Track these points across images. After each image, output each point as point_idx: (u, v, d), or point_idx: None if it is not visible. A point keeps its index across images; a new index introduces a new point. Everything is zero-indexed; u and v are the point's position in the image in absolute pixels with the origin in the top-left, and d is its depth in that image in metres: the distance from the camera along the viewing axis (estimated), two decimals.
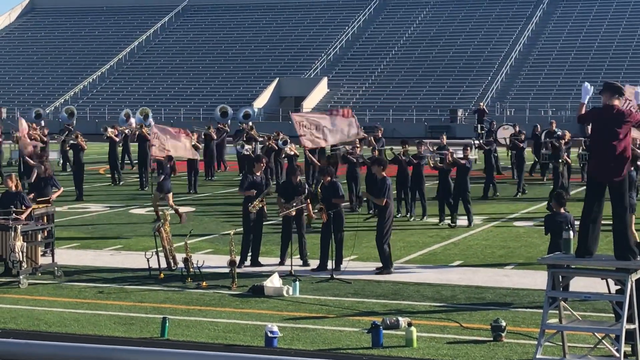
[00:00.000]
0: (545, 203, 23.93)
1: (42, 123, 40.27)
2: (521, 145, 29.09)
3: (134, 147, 34.34)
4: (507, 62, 69.01)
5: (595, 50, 68.73)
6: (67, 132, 36.58)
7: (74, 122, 41.98)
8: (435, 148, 25.76)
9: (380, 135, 28.95)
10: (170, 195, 22.68)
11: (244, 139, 32.92)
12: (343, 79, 71.30)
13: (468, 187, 22.11)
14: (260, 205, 17.24)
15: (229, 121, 41.17)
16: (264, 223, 17.98)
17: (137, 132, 32.91)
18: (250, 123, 36.76)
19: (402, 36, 75.55)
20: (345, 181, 24.43)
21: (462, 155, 23.09)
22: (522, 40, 71.83)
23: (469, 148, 23.31)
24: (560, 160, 25.43)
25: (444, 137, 30.66)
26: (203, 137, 33.47)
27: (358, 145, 25.39)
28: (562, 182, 25.08)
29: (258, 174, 17.71)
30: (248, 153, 28.03)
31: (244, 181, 17.86)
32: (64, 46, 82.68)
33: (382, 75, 70.73)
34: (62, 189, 19.84)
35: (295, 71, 73.38)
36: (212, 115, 50.38)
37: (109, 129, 32.67)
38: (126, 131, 34.85)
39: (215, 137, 34.25)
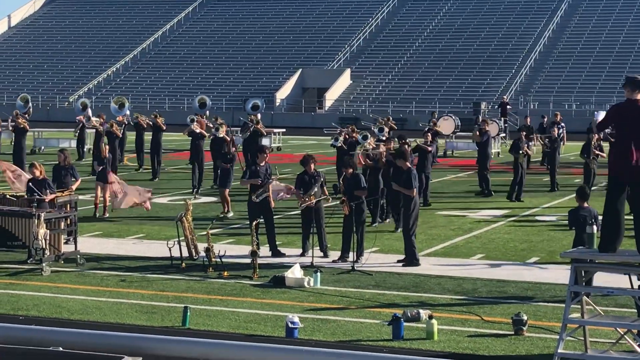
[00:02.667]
0: (567, 198, 23.82)
1: None
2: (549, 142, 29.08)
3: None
4: (532, 55, 68.69)
5: (621, 44, 68.29)
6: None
7: (30, 109, 41.48)
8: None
9: (486, 129, 28.61)
10: (111, 185, 22.03)
11: (250, 131, 32.41)
12: (366, 71, 71.19)
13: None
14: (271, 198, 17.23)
15: (207, 112, 40.78)
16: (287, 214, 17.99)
17: (146, 121, 32.70)
18: (259, 115, 35.94)
19: (425, 28, 75.33)
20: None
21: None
22: (547, 33, 71.46)
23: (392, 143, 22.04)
24: (520, 152, 25.77)
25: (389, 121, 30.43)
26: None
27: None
28: (522, 173, 25.52)
29: (262, 164, 17.66)
30: (340, 144, 27.61)
31: (246, 172, 17.86)
32: (88, 35, 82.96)
33: (405, 67, 70.56)
34: (80, 179, 19.74)
35: (318, 62, 73.31)
36: (222, 104, 49.50)
37: (93, 119, 32.23)
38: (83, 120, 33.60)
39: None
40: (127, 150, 35.53)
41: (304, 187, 17.31)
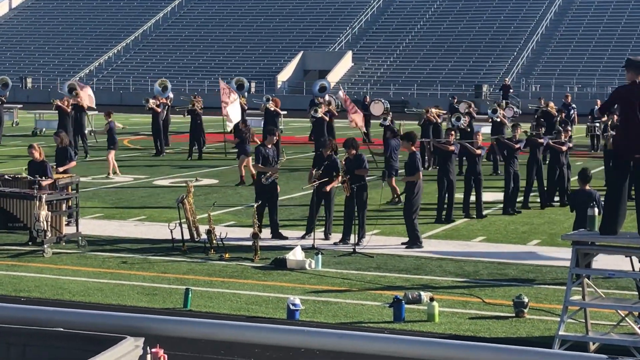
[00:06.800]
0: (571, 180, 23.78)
1: None
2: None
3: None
4: (534, 38, 68.51)
5: (623, 27, 68.10)
6: (0, 104, 36.62)
7: (7, 94, 41.91)
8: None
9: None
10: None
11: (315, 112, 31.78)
12: (368, 53, 71.02)
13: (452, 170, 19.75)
14: (273, 178, 17.15)
15: (246, 94, 40.83)
16: (289, 196, 17.98)
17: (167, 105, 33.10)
18: (327, 97, 36.00)
19: (427, 10, 75.10)
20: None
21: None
22: (549, 15, 71.24)
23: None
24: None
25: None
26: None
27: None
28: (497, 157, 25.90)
29: (270, 146, 17.64)
30: (387, 124, 27.46)
31: (257, 154, 17.80)
32: (89, 17, 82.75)
33: (407, 50, 70.39)
34: (73, 162, 19.29)
35: (319, 45, 73.15)
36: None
37: (151, 100, 32.78)
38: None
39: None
40: (130, 133, 35.53)
41: (318, 168, 17.26)
